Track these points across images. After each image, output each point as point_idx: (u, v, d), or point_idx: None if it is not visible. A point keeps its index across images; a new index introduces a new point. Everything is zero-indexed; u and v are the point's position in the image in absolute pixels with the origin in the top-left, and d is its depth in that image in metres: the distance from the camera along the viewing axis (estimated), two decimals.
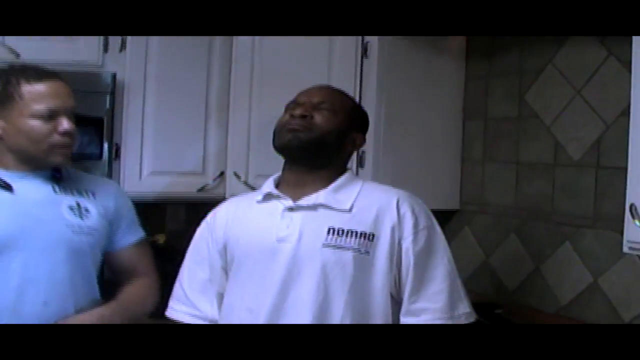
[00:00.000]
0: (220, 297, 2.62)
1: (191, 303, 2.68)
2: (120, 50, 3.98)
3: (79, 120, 3.72)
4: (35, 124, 2.60)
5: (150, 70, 4.04)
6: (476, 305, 3.59)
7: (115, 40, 3.97)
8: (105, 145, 3.92)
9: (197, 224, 4.44)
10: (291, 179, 2.60)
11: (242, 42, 3.99)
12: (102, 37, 3.94)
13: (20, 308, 2.56)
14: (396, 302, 2.47)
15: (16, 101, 2.60)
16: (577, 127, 3.43)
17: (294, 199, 2.54)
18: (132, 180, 4.04)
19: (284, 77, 3.92)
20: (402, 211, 2.48)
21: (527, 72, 3.69)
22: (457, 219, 4.07)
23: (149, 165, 4.08)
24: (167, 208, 4.67)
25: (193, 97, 4.12)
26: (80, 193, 2.78)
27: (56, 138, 2.63)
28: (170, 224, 4.69)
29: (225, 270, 2.63)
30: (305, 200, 2.53)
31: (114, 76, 3.93)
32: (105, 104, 3.91)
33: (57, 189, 2.72)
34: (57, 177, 2.74)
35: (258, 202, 2.64)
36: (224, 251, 2.65)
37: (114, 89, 3.93)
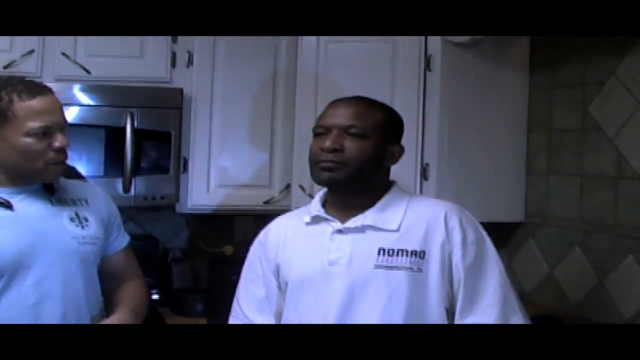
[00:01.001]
0: (279, 316, 2.62)
1: (249, 321, 2.68)
2: (188, 66, 4.10)
3: (149, 135, 3.85)
4: (30, 141, 2.55)
5: (216, 85, 4.13)
6: (539, 318, 3.62)
7: (182, 56, 4.07)
8: (174, 159, 4.02)
9: None
10: (337, 202, 2.58)
11: (307, 54, 4.04)
12: (169, 53, 4.05)
13: (40, 324, 2.58)
14: (452, 315, 2.44)
15: (9, 119, 2.55)
16: None
17: (342, 221, 2.52)
18: (200, 193, 4.14)
19: (349, 90, 3.93)
20: (450, 226, 2.45)
21: (590, 84, 3.66)
22: (522, 231, 4.04)
23: (216, 178, 4.16)
24: (234, 220, 4.74)
25: (259, 111, 4.20)
26: (75, 203, 2.77)
27: (51, 155, 2.59)
28: (237, 236, 4.75)
29: (281, 289, 2.63)
30: (353, 222, 2.51)
31: (181, 91, 4.04)
32: (174, 119, 4.01)
33: (53, 201, 2.72)
34: (51, 189, 2.73)
35: (307, 223, 2.62)
36: (277, 273, 2.64)
37: (182, 104, 4.04)
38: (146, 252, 4.32)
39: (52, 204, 2.70)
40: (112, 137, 3.95)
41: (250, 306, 2.70)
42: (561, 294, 3.81)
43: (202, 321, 4.11)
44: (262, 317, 2.65)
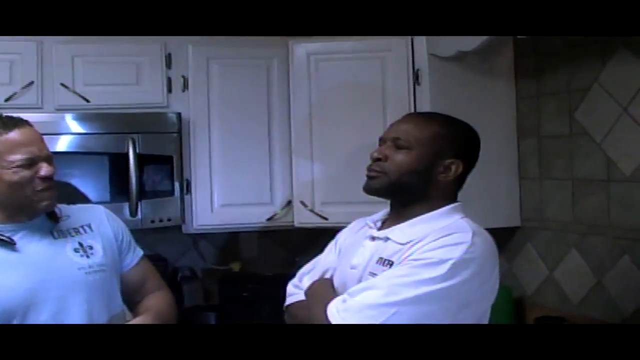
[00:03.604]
0: None
1: (299, 277, 2.80)
2: (183, 90, 4.16)
3: (151, 159, 3.92)
4: (16, 172, 2.61)
5: (212, 107, 4.20)
6: (543, 319, 3.69)
7: (177, 80, 4.14)
8: (177, 182, 4.09)
9: (270, 251, 4.60)
10: (393, 211, 2.63)
11: (298, 72, 4.12)
12: (165, 78, 4.12)
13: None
14: None
15: None
16: (626, 143, 3.44)
17: (384, 230, 2.58)
18: (204, 213, 4.20)
19: (341, 105, 4.05)
20: (429, 240, 2.39)
21: (575, 91, 3.70)
22: (519, 236, 4.09)
23: (219, 198, 4.22)
24: (239, 237, 4.80)
25: (256, 130, 4.26)
26: (77, 231, 2.83)
27: (38, 184, 2.65)
28: (243, 252, 4.83)
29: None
30: (382, 232, 2.56)
31: (179, 115, 4.10)
32: (174, 143, 4.08)
33: (55, 234, 2.77)
34: (53, 220, 2.79)
35: (363, 226, 2.71)
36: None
37: (181, 127, 4.11)
38: None
39: (54, 237, 2.76)
40: (116, 163, 4.01)
41: (303, 270, 2.82)
42: (562, 295, 3.84)
43: None
44: (308, 277, 2.76)
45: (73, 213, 2.90)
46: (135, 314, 2.96)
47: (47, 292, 2.66)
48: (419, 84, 3.90)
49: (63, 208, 2.87)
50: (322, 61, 4.06)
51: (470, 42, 3.55)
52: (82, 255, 2.77)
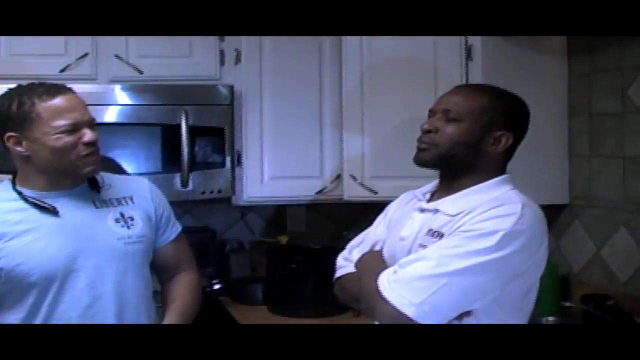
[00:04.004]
0: None
1: (348, 249, 2.81)
2: (236, 63, 4.21)
3: (203, 131, 3.97)
4: (60, 138, 2.64)
5: (265, 80, 4.24)
6: (589, 297, 3.69)
7: (230, 54, 4.20)
8: (228, 154, 4.15)
9: (318, 224, 4.63)
10: (442, 183, 2.64)
11: (351, 50, 4.10)
12: (218, 51, 4.18)
13: (95, 323, 2.71)
14: None
15: (35, 121, 2.64)
16: None
17: (433, 202, 2.59)
18: (254, 186, 4.26)
19: (393, 80, 4.04)
20: (480, 211, 2.40)
21: (628, 69, 3.69)
22: (567, 213, 4.08)
23: (269, 170, 4.27)
24: (287, 210, 4.85)
25: (307, 103, 4.30)
26: (119, 202, 2.87)
27: (82, 148, 2.68)
28: (291, 225, 4.87)
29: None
30: (432, 204, 2.57)
31: (231, 88, 4.16)
32: (225, 115, 4.14)
33: (97, 202, 2.82)
34: (95, 189, 2.84)
35: (412, 198, 2.72)
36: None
37: (232, 100, 4.16)
38: (204, 244, 4.52)
39: (95, 206, 2.82)
40: (168, 135, 4.07)
41: (353, 243, 2.83)
42: (609, 273, 3.84)
43: (262, 308, 4.25)
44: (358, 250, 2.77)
45: (115, 183, 2.94)
46: (163, 294, 3.03)
47: (86, 259, 2.72)
48: (471, 60, 3.89)
49: (106, 177, 2.92)
50: (375, 40, 4.05)
51: None
52: (122, 226, 2.82)
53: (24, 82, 2.79)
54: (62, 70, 3.98)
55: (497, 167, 2.58)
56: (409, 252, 2.49)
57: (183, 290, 3.01)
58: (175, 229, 3.06)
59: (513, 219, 2.36)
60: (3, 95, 2.74)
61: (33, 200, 2.73)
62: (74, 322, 2.69)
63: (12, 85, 2.79)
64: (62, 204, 2.75)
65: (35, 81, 2.76)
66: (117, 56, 4.07)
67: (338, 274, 2.78)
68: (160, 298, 3.03)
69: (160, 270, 3.03)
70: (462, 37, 3.90)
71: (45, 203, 2.72)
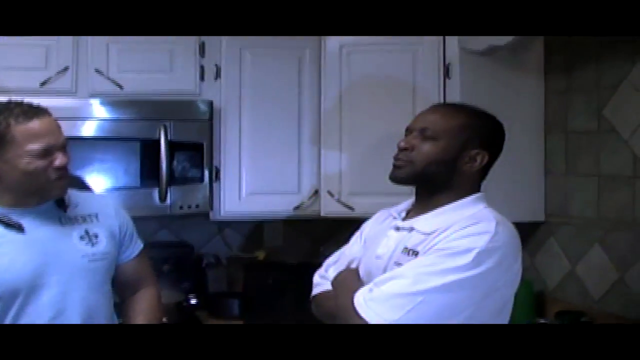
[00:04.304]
0: None
1: (325, 267, 2.81)
2: (215, 79, 4.22)
3: (181, 146, 3.99)
4: (32, 162, 2.63)
5: (244, 96, 4.26)
6: (563, 313, 3.72)
7: (210, 69, 4.21)
8: (206, 169, 4.15)
9: (295, 240, 4.64)
10: (417, 201, 2.65)
11: (329, 63, 4.16)
12: (198, 67, 4.19)
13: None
14: None
15: (9, 142, 2.62)
16: None
17: (408, 220, 2.61)
18: (232, 201, 4.27)
19: (371, 96, 4.09)
20: (454, 229, 2.42)
21: (604, 88, 3.72)
22: (543, 230, 4.11)
23: (247, 186, 4.28)
24: (264, 226, 4.85)
25: (286, 120, 4.32)
26: (84, 219, 2.87)
27: (52, 173, 2.67)
28: (268, 241, 4.86)
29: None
30: (407, 222, 2.59)
31: (210, 103, 4.17)
32: (205, 130, 4.15)
33: (63, 219, 2.81)
34: (61, 206, 2.83)
35: (387, 216, 2.73)
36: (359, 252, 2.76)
37: (212, 115, 4.17)
38: (181, 259, 4.51)
39: (61, 223, 2.81)
40: (147, 149, 4.08)
41: (329, 260, 2.83)
42: (583, 290, 3.87)
43: (239, 323, 4.24)
44: (334, 268, 2.76)
45: (81, 201, 2.94)
46: (124, 310, 3.04)
47: (50, 275, 2.71)
48: (449, 78, 3.94)
49: (73, 195, 2.92)
50: (354, 53, 4.10)
51: (502, 38, 3.57)
52: (87, 243, 2.83)
53: (2, 98, 2.79)
54: (42, 84, 3.99)
55: (471, 186, 2.60)
56: (385, 270, 2.50)
57: (146, 306, 3.03)
58: (137, 246, 3.07)
59: (488, 237, 2.38)
60: None
61: None
62: None
63: None
64: (27, 221, 2.74)
65: (13, 99, 2.76)
66: (97, 70, 4.07)
67: (314, 292, 2.79)
68: (121, 313, 3.04)
69: (121, 286, 3.04)
70: (440, 55, 3.96)
71: (11, 220, 2.72)
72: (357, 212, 4.02)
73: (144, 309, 3.02)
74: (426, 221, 2.53)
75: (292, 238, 4.89)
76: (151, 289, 3.09)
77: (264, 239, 4.88)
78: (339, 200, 4.14)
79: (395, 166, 2.60)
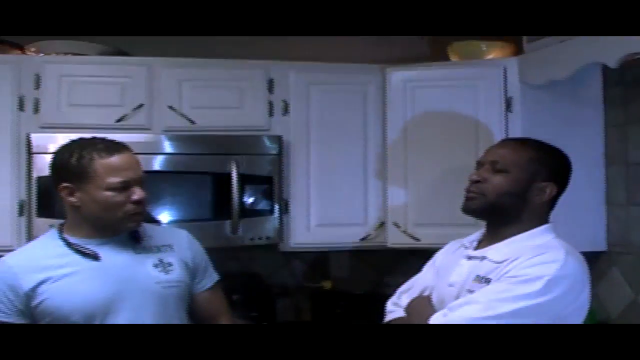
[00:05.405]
0: None
1: (397, 294, 2.91)
2: (284, 114, 4.33)
3: (252, 179, 4.09)
4: (110, 195, 2.78)
5: (312, 130, 4.36)
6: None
7: (278, 105, 4.32)
8: (276, 202, 4.25)
9: (360, 270, 4.71)
10: (488, 231, 2.75)
11: (394, 98, 4.26)
12: (267, 102, 4.29)
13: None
14: None
15: (91, 175, 2.77)
16: None
17: (480, 249, 2.70)
18: (300, 232, 4.36)
19: (435, 130, 4.17)
20: (525, 258, 2.51)
21: None
22: (605, 260, 4.11)
23: (315, 218, 4.37)
24: (330, 256, 4.93)
25: (352, 153, 4.41)
26: (159, 249, 2.97)
27: (130, 207, 2.82)
28: (335, 271, 4.94)
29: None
30: (480, 251, 2.69)
31: (279, 138, 4.27)
32: (274, 164, 4.25)
33: (137, 249, 2.92)
34: (136, 238, 2.94)
35: (459, 247, 2.84)
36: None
37: (281, 149, 4.26)
38: (250, 289, 4.60)
39: (136, 252, 2.92)
40: (218, 183, 4.19)
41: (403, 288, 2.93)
42: None
43: None
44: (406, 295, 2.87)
45: (155, 233, 3.06)
46: None
47: (124, 301, 2.82)
48: (510, 111, 4.00)
49: (147, 227, 3.05)
50: (417, 88, 4.18)
51: (561, 71, 3.63)
52: (160, 271, 2.92)
53: (85, 134, 2.96)
54: (118, 120, 4.13)
55: (540, 216, 2.70)
56: (457, 298, 2.59)
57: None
58: (212, 278, 3.16)
59: (557, 265, 2.48)
60: (65, 146, 2.89)
61: (76, 246, 2.85)
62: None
63: (73, 136, 2.98)
64: (103, 251, 2.87)
65: (97, 136, 2.93)
66: (170, 107, 4.21)
67: (387, 318, 2.88)
68: None
69: (198, 317, 3.12)
70: (502, 89, 4.03)
71: (87, 249, 2.84)
72: (423, 243, 4.10)
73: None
74: (497, 250, 2.63)
75: (358, 269, 4.96)
76: (224, 318, 3.17)
77: (329, 269, 4.96)
78: (405, 232, 4.21)
79: (467, 198, 2.71)
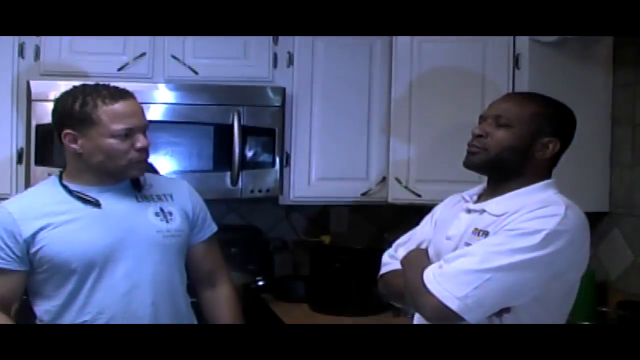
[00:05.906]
0: None
1: (394, 247, 2.88)
2: (288, 66, 4.30)
3: (254, 131, 4.06)
4: (114, 142, 2.75)
5: (315, 83, 4.33)
6: (625, 303, 3.72)
7: (283, 56, 4.29)
8: (277, 154, 4.24)
9: (360, 225, 4.68)
10: (489, 186, 2.71)
11: (401, 53, 4.19)
12: (271, 54, 4.26)
13: (131, 311, 2.81)
14: None
15: (94, 122, 2.74)
16: None
17: (480, 203, 2.67)
18: (301, 186, 4.36)
19: (441, 86, 4.12)
20: (524, 212, 2.48)
21: None
22: (607, 221, 4.11)
23: (316, 171, 4.36)
24: (330, 211, 4.92)
25: (356, 107, 4.38)
26: (160, 198, 2.97)
27: (133, 154, 2.80)
28: (334, 226, 4.94)
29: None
30: (479, 205, 2.65)
31: (283, 90, 4.25)
32: (276, 117, 4.23)
33: (138, 197, 2.93)
34: (137, 186, 2.94)
35: (459, 200, 2.80)
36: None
37: (284, 102, 4.24)
38: (249, 242, 4.61)
39: (137, 200, 2.92)
40: (220, 134, 4.17)
41: (399, 243, 2.89)
42: None
43: (304, 306, 4.31)
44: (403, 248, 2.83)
45: (156, 182, 3.05)
46: (204, 309, 3.17)
47: (125, 249, 2.82)
48: (518, 68, 3.96)
49: (148, 177, 3.03)
50: (424, 42, 4.12)
51: None
52: (161, 220, 2.92)
53: (89, 81, 2.93)
54: (119, 69, 4.09)
55: (543, 172, 2.66)
56: (455, 251, 2.57)
57: (228, 314, 3.16)
58: (210, 228, 3.16)
59: (556, 220, 2.43)
60: (68, 92, 2.85)
61: (77, 193, 2.84)
62: (110, 309, 2.80)
63: (74, 83, 2.93)
64: (104, 198, 2.86)
65: (100, 82, 2.89)
66: (173, 56, 4.17)
67: (383, 270, 2.85)
68: (202, 309, 3.17)
69: (193, 268, 3.13)
70: (510, 46, 3.98)
71: (88, 196, 2.83)
72: (424, 199, 4.08)
73: (227, 316, 3.15)
74: (497, 204, 2.59)
75: (357, 224, 4.96)
76: (226, 288, 3.19)
77: (329, 224, 4.96)
78: (406, 187, 4.19)
79: (469, 152, 2.67)
